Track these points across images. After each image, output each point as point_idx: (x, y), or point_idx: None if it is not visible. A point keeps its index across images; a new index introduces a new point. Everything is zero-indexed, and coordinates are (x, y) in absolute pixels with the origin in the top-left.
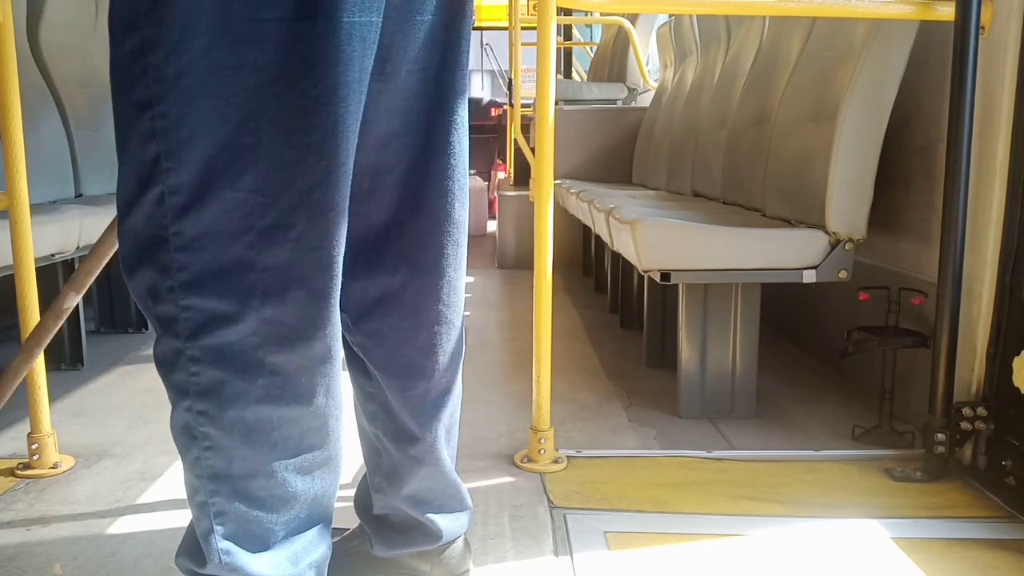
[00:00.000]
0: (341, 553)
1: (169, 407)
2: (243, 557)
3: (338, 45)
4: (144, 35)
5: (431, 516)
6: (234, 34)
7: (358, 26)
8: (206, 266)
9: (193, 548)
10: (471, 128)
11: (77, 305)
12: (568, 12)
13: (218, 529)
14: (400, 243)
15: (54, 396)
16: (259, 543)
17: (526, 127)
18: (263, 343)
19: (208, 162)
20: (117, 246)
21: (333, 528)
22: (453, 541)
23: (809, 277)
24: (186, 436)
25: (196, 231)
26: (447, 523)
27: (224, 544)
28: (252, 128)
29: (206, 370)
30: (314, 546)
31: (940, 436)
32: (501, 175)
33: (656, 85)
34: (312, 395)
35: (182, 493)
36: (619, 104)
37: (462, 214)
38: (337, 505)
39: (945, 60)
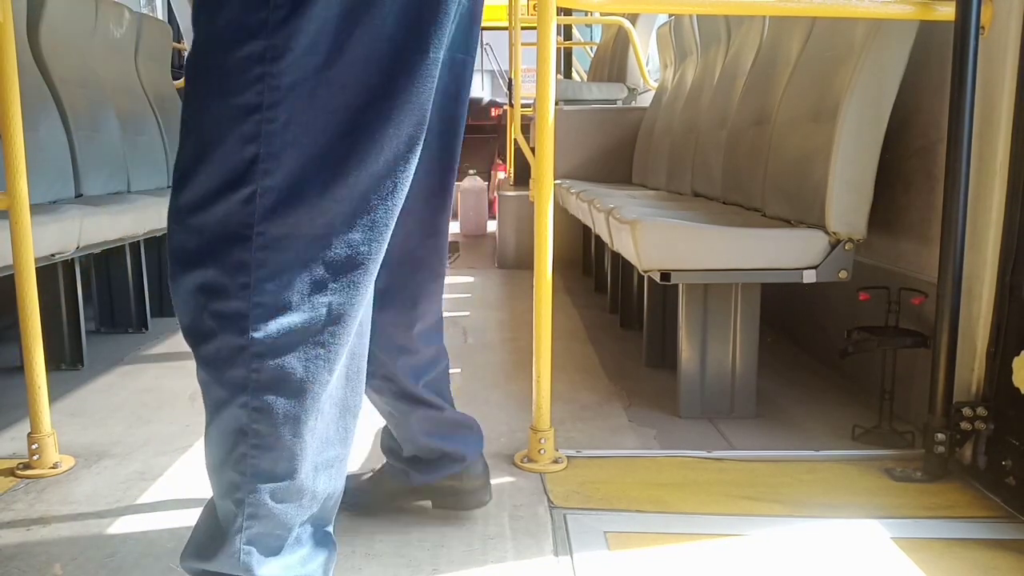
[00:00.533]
0: (381, 483)
1: (169, 407)
2: (258, 560)
3: (432, 75)
4: (268, 44)
5: (453, 446)
6: (350, 56)
7: (447, 61)
8: (283, 265)
9: (203, 547)
10: (471, 128)
11: (77, 305)
12: (568, 12)
13: (247, 527)
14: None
15: (54, 396)
16: (275, 546)
17: (526, 127)
18: (323, 341)
19: (304, 169)
20: None
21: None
22: (476, 460)
23: (809, 277)
24: (235, 434)
25: (280, 232)
26: (467, 448)
27: (247, 545)
28: (348, 141)
29: (269, 365)
30: (322, 547)
31: (940, 436)
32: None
33: (656, 85)
34: (347, 388)
35: (182, 493)
36: (619, 104)
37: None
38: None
39: (945, 60)
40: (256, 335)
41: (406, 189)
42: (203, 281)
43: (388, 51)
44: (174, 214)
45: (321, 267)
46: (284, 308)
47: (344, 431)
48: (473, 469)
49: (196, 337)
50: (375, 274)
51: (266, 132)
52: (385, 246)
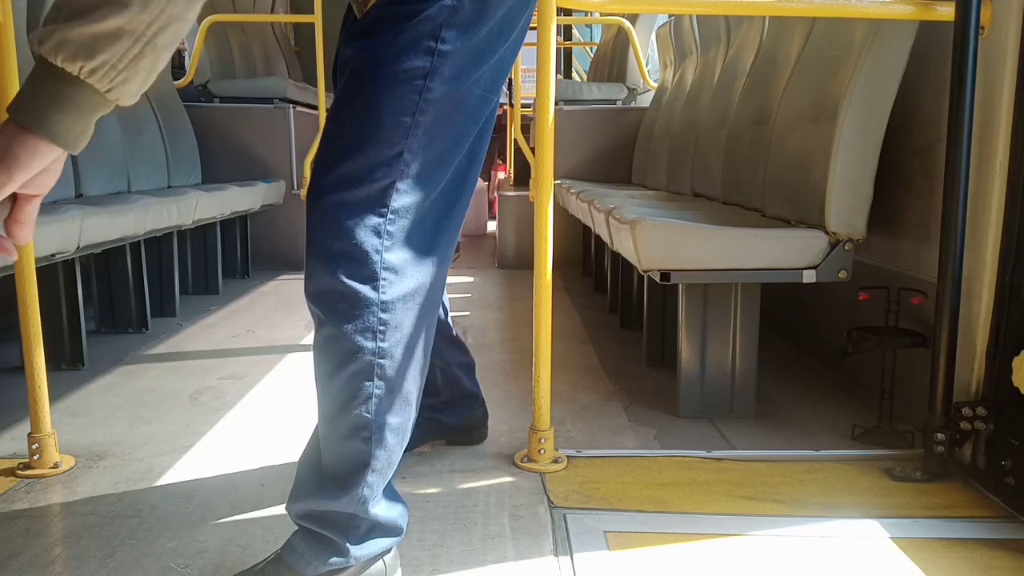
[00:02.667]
0: (419, 425)
1: (169, 407)
2: (374, 499)
3: (496, 113)
4: (433, 64)
5: (476, 387)
6: (479, 89)
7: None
8: (403, 239)
9: (321, 489)
10: None
11: (77, 305)
12: (568, 12)
13: (373, 466)
14: None
15: (54, 396)
16: (381, 486)
17: (526, 127)
18: (425, 301)
19: (429, 166)
20: None
21: None
22: (481, 397)
23: (809, 277)
24: (362, 378)
25: (404, 212)
26: (478, 387)
27: (369, 483)
28: (456, 151)
29: (392, 319)
30: (399, 499)
31: (940, 436)
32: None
33: (656, 85)
34: (429, 332)
35: (182, 493)
36: (619, 104)
37: None
38: None
39: (945, 60)
40: (384, 296)
41: (474, 186)
42: (343, 248)
43: (487, 83)
44: (326, 188)
45: (426, 242)
46: (402, 273)
47: (423, 376)
48: (482, 406)
49: (332, 295)
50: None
51: (413, 134)
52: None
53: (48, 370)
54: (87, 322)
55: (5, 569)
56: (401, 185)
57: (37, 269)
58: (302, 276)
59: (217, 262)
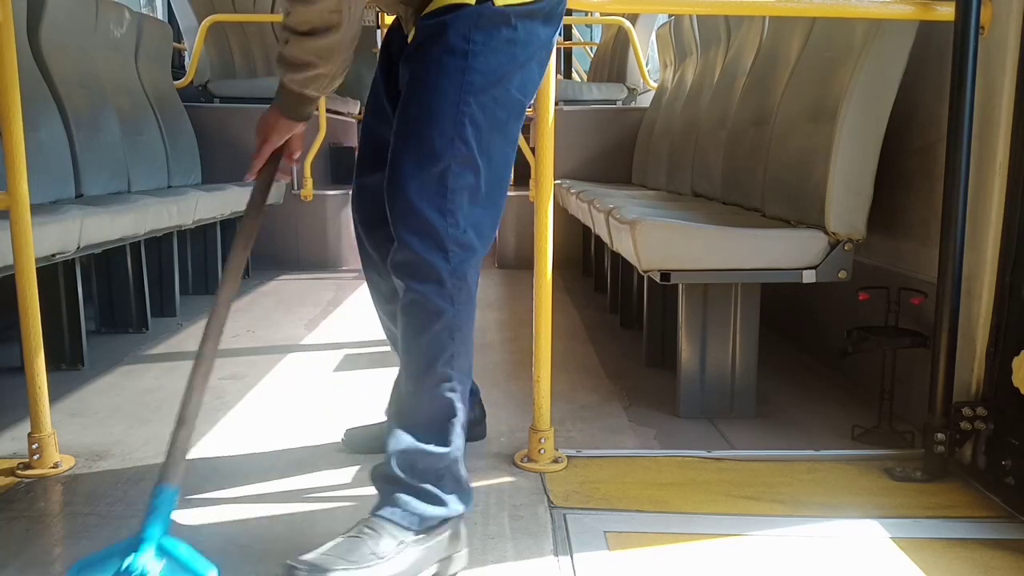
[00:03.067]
0: None
1: (169, 407)
2: (462, 455)
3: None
4: (473, 79)
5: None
6: (514, 89)
7: None
8: (463, 215)
9: (428, 430)
10: None
11: (77, 305)
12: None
13: (459, 416)
14: None
15: (54, 396)
16: (463, 446)
17: (526, 127)
18: (478, 268)
19: (476, 150)
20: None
21: None
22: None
23: (809, 277)
24: (444, 337)
25: (459, 188)
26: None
27: (458, 430)
28: (498, 138)
29: (462, 284)
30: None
31: (940, 436)
32: None
33: (656, 85)
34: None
35: (182, 493)
36: (619, 104)
37: None
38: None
39: (945, 60)
40: (456, 264)
41: (512, 167)
42: (419, 224)
43: (519, 85)
44: (402, 176)
45: (478, 217)
46: (464, 245)
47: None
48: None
49: (414, 264)
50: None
51: (472, 130)
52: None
53: (48, 370)
54: (87, 322)
55: (5, 569)
56: (456, 168)
57: (37, 269)
58: (302, 276)
59: (217, 262)
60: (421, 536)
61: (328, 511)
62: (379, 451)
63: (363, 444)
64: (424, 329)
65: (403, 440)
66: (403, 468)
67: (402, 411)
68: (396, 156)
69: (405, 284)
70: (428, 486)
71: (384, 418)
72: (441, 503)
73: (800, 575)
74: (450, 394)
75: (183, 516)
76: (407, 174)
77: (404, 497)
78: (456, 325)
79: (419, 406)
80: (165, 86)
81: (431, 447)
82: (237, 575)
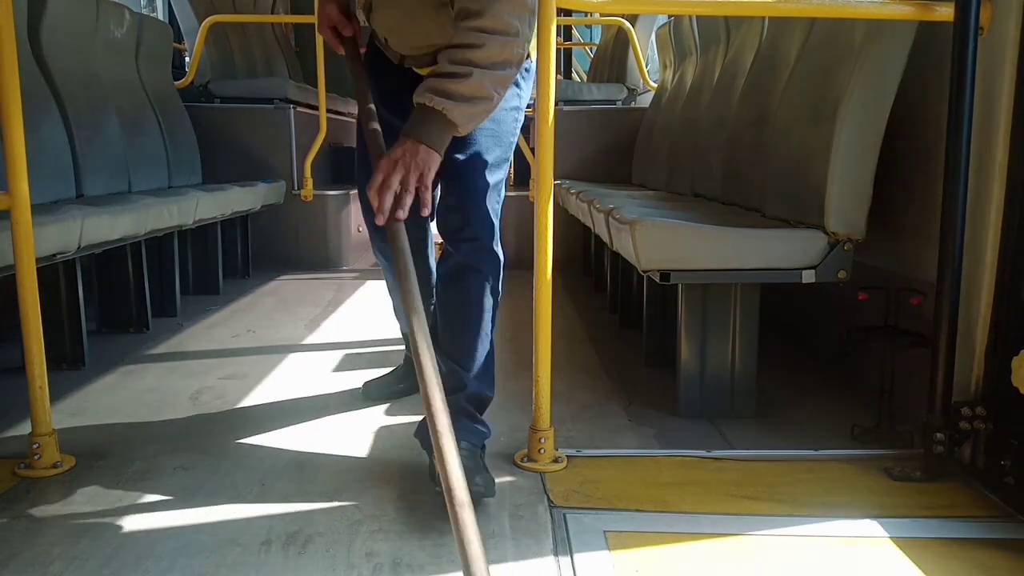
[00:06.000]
0: (409, 375)
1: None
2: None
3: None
4: (519, 101)
5: None
6: (519, 114)
7: None
8: (501, 216)
9: (474, 383)
10: None
11: (78, 305)
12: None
13: (494, 356)
14: None
15: (54, 396)
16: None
17: (526, 127)
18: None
19: (506, 166)
20: None
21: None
22: None
23: (808, 277)
24: (497, 308)
25: (504, 197)
26: None
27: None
28: (509, 156)
29: (499, 258)
30: None
31: (939, 436)
32: None
33: (656, 85)
34: None
35: (182, 493)
36: (619, 104)
37: None
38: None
39: (945, 60)
40: (499, 247)
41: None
42: (492, 223)
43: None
44: (482, 185)
45: (498, 209)
46: (500, 241)
47: None
48: None
49: (485, 255)
50: None
51: (511, 147)
52: None
53: (48, 370)
54: (88, 322)
55: (5, 569)
56: (504, 181)
57: (38, 269)
58: (302, 276)
59: (218, 262)
60: (478, 450)
61: (328, 511)
62: (394, 398)
63: (378, 392)
64: (489, 304)
65: (468, 385)
66: (474, 405)
67: (463, 360)
68: (476, 166)
69: (478, 268)
70: (479, 414)
71: (392, 367)
72: (485, 426)
73: (800, 575)
74: (491, 348)
75: (183, 516)
76: (485, 182)
77: (464, 432)
78: (497, 291)
79: (479, 356)
80: (166, 86)
81: (489, 389)
82: (237, 575)
